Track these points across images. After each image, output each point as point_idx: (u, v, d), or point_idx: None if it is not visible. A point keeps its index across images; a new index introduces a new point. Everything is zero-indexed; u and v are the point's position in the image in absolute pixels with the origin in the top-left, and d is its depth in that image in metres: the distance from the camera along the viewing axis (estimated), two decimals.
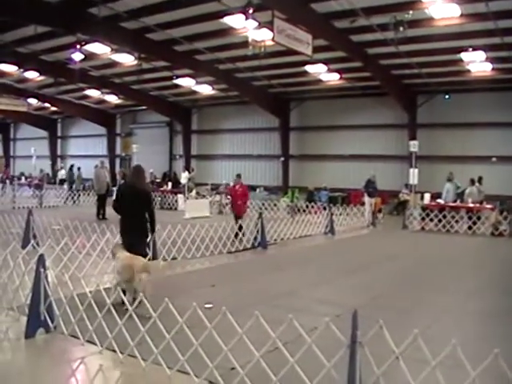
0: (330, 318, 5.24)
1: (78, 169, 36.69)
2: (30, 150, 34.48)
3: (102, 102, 42.02)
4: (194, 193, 30.46)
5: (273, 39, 19.32)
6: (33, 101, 41.12)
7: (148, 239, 9.85)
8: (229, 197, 18.45)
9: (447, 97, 30.19)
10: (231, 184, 32.88)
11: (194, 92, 36.13)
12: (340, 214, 22.75)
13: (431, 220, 22.11)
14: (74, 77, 29.04)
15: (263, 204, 26.66)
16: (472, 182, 22.69)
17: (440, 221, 21.75)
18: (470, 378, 4.39)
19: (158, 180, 34.82)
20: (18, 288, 8.02)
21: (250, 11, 19.48)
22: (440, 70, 27.40)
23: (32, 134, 51.42)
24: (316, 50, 21.73)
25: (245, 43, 22.69)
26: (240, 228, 16.43)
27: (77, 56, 25.50)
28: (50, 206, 28.73)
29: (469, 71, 26.58)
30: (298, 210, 26.53)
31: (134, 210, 9.17)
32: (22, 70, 31.37)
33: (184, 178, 32.13)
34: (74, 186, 34.40)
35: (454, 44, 23.01)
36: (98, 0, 20.19)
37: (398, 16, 20.41)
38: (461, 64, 25.65)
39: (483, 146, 28.78)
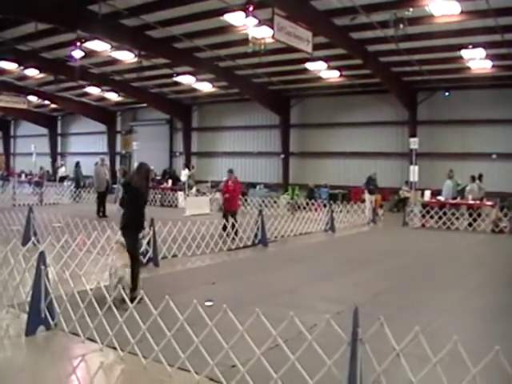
0: (330, 315, 5.25)
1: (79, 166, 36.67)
2: (31, 148, 34.53)
3: (103, 99, 41.98)
4: (194, 190, 30.44)
5: (273, 36, 19.29)
6: (33, 98, 41.08)
7: (139, 236, 9.70)
8: (225, 194, 17.78)
9: (447, 94, 30.16)
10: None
11: (195, 89, 36.10)
12: (340, 211, 22.75)
13: (431, 217, 22.11)
14: (74, 74, 28.94)
15: (263, 201, 26.66)
16: (473, 178, 22.72)
17: (440, 218, 21.76)
18: (470, 374, 4.40)
19: (158, 177, 34.80)
20: (18, 285, 8.03)
21: (251, 8, 19.44)
22: (440, 67, 27.38)
23: (32, 131, 51.34)
24: (316, 47, 21.71)
25: (245, 40, 22.63)
26: (233, 225, 16.21)
27: (77, 53, 25.43)
28: (51, 203, 28.74)
29: (469, 68, 26.55)
30: (299, 207, 26.54)
31: (127, 205, 9.27)
32: (22, 67, 31.31)
33: (184, 175, 32.11)
34: (80, 184, 34.33)
35: (454, 41, 22.97)
36: None
37: (398, 13, 20.38)
38: (461, 61, 25.61)
39: (483, 143, 28.77)
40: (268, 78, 31.79)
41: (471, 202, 22.08)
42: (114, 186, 30.09)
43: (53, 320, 7.16)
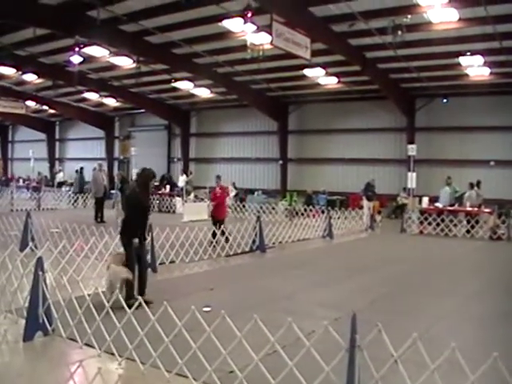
0: (328, 322, 5.25)
1: (76, 171, 36.64)
2: (28, 153, 34.50)
3: (101, 104, 42.02)
4: (191, 196, 30.45)
5: (271, 43, 19.33)
6: (31, 103, 41.12)
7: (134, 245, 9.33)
8: (213, 201, 17.25)
9: (445, 101, 30.23)
10: (229, 187, 33.10)
11: (193, 95, 36.16)
12: (338, 218, 22.75)
13: (429, 224, 22.12)
14: (73, 79, 29.00)
15: (261, 207, 26.66)
16: (471, 185, 22.73)
17: (438, 224, 21.77)
18: (469, 381, 4.40)
19: (156, 183, 34.77)
20: (16, 291, 8.02)
21: (249, 15, 19.48)
22: (438, 74, 27.46)
23: (30, 136, 51.32)
24: (314, 53, 21.77)
25: (243, 47, 22.69)
26: (223, 233, 15.83)
27: (75, 59, 25.45)
28: (48, 208, 28.71)
29: (467, 75, 26.64)
30: (297, 214, 26.54)
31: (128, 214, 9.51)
32: (20, 72, 31.31)
33: (182, 181, 32.14)
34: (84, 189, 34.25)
35: (452, 48, 23.05)
36: (97, 3, 20.19)
37: (396, 20, 20.44)
38: (459, 68, 25.69)
39: (481, 150, 28.82)
40: (266, 84, 31.83)
41: (469, 208, 22.11)
42: (112, 191, 30.07)
43: (50, 325, 7.15)
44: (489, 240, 20.55)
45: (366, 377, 4.92)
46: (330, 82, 30.36)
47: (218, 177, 18.47)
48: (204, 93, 35.15)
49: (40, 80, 33.60)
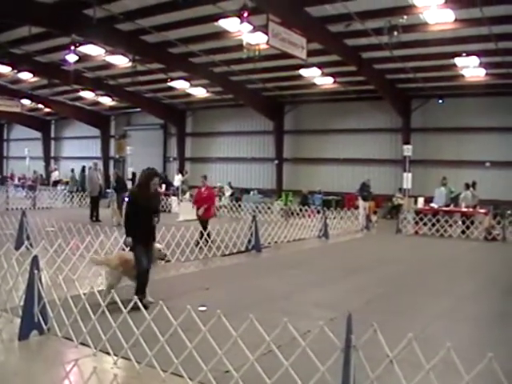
0: (324, 322, 5.26)
1: (72, 170, 36.59)
2: (24, 151, 34.44)
3: (96, 103, 41.96)
4: (187, 195, 30.43)
5: (267, 43, 19.35)
6: (26, 102, 41.03)
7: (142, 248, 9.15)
8: (197, 202, 16.73)
9: (441, 101, 30.30)
10: (225, 186, 33.12)
11: (189, 94, 36.14)
12: (334, 218, 22.77)
13: (425, 224, 22.16)
14: (69, 78, 28.93)
15: (257, 207, 26.65)
16: (467, 186, 22.80)
17: (434, 225, 21.81)
18: (463, 381, 4.41)
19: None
20: (11, 289, 8.00)
21: (245, 14, 19.48)
22: (434, 75, 27.52)
23: (25, 134, 51.24)
24: (310, 53, 21.78)
25: (240, 46, 22.69)
26: (209, 235, 15.55)
27: (71, 57, 25.42)
28: (44, 207, 28.67)
29: (463, 76, 26.70)
30: (292, 214, 26.54)
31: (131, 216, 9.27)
32: (16, 70, 31.28)
33: (177, 180, 32.12)
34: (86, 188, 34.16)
35: (448, 49, 23.11)
36: (94, 1, 20.15)
37: (392, 21, 20.47)
38: (455, 69, 25.75)
39: (477, 151, 28.90)
40: (262, 83, 31.84)
41: (464, 209, 22.16)
42: (108, 190, 30.03)
43: (46, 324, 7.14)
44: (484, 241, 20.59)
45: (362, 377, 4.93)
46: (326, 82, 30.39)
47: (204, 177, 17.98)
48: (200, 92, 35.14)
49: (36, 78, 33.57)
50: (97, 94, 38.16)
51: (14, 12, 20.03)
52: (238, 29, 21.41)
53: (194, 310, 5.89)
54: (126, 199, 9.90)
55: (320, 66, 27.18)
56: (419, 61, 25.35)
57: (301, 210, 25.83)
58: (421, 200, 23.86)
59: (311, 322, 7.08)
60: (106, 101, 40.21)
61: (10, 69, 30.74)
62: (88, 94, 38.24)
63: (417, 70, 26.90)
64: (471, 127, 29.19)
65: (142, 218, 8.92)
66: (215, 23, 21.74)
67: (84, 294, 6.90)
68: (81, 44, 24.69)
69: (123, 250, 10.47)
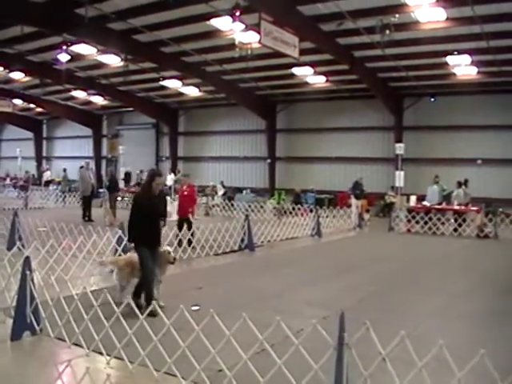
0: (317, 320, 5.27)
1: (64, 170, 36.51)
2: (16, 151, 34.32)
3: (88, 103, 41.83)
4: None
5: (259, 41, 19.34)
6: (18, 101, 40.87)
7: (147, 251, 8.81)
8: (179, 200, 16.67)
9: (433, 100, 30.38)
10: (217, 185, 33.11)
11: (181, 94, 36.08)
12: (327, 216, 22.80)
13: (417, 222, 22.22)
14: (60, 78, 28.84)
15: (250, 206, 26.66)
16: (459, 184, 22.88)
17: (426, 223, 21.88)
18: (456, 378, 4.43)
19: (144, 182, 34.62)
20: (3, 290, 7.99)
21: (237, 13, 19.48)
22: (426, 73, 27.58)
23: (17, 134, 51.04)
24: (303, 52, 21.79)
25: (232, 45, 22.71)
26: (192, 234, 15.14)
27: (63, 57, 25.36)
28: (36, 207, 28.58)
29: (454, 74, 26.75)
30: (285, 212, 26.58)
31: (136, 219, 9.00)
32: (7, 70, 31.16)
33: (170, 179, 32.06)
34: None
35: (439, 47, 23.15)
36: (85, 1, 20.08)
37: (384, 19, 20.50)
38: (446, 67, 25.81)
39: (469, 149, 28.99)
40: (255, 82, 31.83)
41: (457, 207, 22.24)
42: (100, 190, 30.00)
43: (38, 325, 7.12)
44: (476, 238, 20.68)
45: (355, 375, 4.95)
46: (319, 81, 30.41)
47: (186, 175, 17.75)
48: (192, 91, 35.08)
49: (27, 78, 33.46)
50: (89, 94, 38.03)
51: (5, 11, 19.94)
52: (230, 28, 21.41)
53: (187, 310, 5.89)
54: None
55: (312, 64, 27.19)
56: (411, 59, 25.41)
57: (293, 208, 25.86)
58: (413, 198, 23.91)
59: (304, 321, 7.09)
60: (98, 100, 40.10)
61: (1, 68, 30.64)
62: (80, 94, 38.12)
63: (409, 69, 26.95)
64: (463, 125, 29.29)
65: (145, 221, 8.61)
66: (207, 22, 21.70)
67: (76, 295, 6.88)
68: (73, 43, 24.62)
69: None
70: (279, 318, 5.26)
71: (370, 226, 24.30)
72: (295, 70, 28.23)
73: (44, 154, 51.47)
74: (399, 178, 26.19)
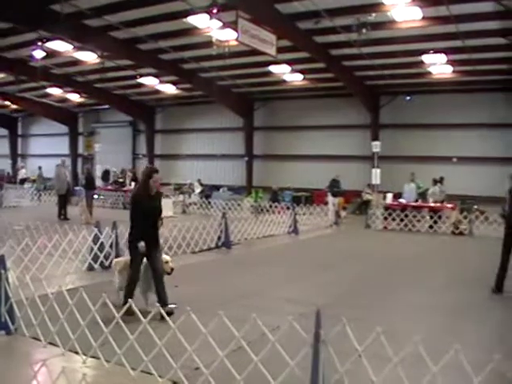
0: (293, 317, 5.28)
1: (39, 168, 36.15)
2: None
3: (65, 100, 41.42)
4: None
5: (237, 39, 19.35)
6: None
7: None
8: None
9: (409, 98, 30.61)
10: (194, 183, 33.02)
11: (158, 91, 35.93)
12: (304, 214, 22.87)
13: (393, 219, 22.39)
14: (36, 75, 28.58)
15: (227, 204, 26.62)
16: (435, 182, 23.09)
17: (402, 220, 22.06)
18: (431, 373, 4.48)
19: (120, 180, 34.45)
20: None
21: (215, 11, 19.46)
22: (402, 72, 27.78)
23: None
24: (280, 50, 21.88)
25: (209, 43, 22.69)
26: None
27: (38, 53, 25.10)
28: (11, 205, 28.25)
29: (430, 73, 26.99)
30: (262, 210, 26.59)
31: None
32: None
33: None
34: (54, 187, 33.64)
35: (415, 46, 23.33)
36: None
37: (361, 18, 20.62)
38: (422, 66, 26.02)
39: (444, 147, 29.28)
40: (232, 80, 31.82)
41: (432, 204, 22.44)
42: (76, 188, 29.76)
43: (13, 324, 7.06)
44: (451, 235, 20.89)
45: (331, 371, 4.97)
46: (296, 79, 30.48)
47: (156, 171, 17.36)
48: (169, 89, 34.96)
49: (2, 75, 33.04)
50: (65, 91, 37.68)
51: None
52: (207, 25, 21.35)
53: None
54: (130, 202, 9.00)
55: (290, 62, 27.25)
56: (387, 58, 25.59)
57: (271, 206, 25.89)
58: (389, 195, 24.08)
59: (281, 318, 7.09)
60: (75, 97, 39.75)
61: None
62: (56, 91, 37.75)
63: (385, 67, 27.11)
64: (439, 123, 29.57)
65: (146, 221, 8.38)
66: (184, 20, 21.60)
67: (52, 294, 6.81)
68: (48, 40, 24.39)
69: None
70: (255, 316, 5.27)
71: (346, 223, 24.42)
72: (272, 68, 28.28)
73: (19, 152, 50.89)
74: (375, 176, 26.39)
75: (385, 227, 22.55)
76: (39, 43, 24.39)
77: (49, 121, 45.82)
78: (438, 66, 25.58)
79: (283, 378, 5.03)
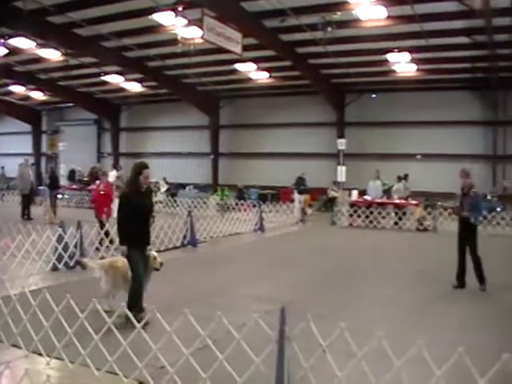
0: (259, 314, 5.29)
1: (2, 168, 35.56)
2: None
3: (28, 98, 40.75)
4: None
5: (202, 37, 19.31)
6: None
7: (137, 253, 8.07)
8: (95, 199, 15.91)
9: (374, 96, 30.92)
10: (160, 182, 32.85)
11: (123, 89, 35.64)
12: (270, 212, 22.94)
13: (359, 216, 22.59)
14: None
15: (193, 202, 26.56)
16: (399, 178, 23.39)
17: (367, 217, 22.28)
18: (394, 368, 4.53)
19: (85, 178, 34.10)
20: None
21: (180, 8, 19.38)
22: (367, 70, 28.05)
23: None
24: (246, 48, 21.87)
25: (174, 41, 22.58)
26: (107, 234, 13.94)
27: (0, 51, 24.67)
28: None
29: (395, 71, 27.30)
30: (228, 208, 26.58)
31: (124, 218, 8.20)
32: None
33: (112, 176, 31.56)
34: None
35: (380, 45, 23.58)
36: None
37: (326, 16, 20.77)
38: (387, 64, 26.32)
39: (409, 144, 29.69)
40: (198, 78, 31.72)
41: (397, 201, 22.71)
42: (40, 187, 29.36)
43: None
44: (416, 231, 21.19)
45: (296, 367, 5.00)
46: (262, 77, 30.51)
47: (104, 173, 16.84)
48: (134, 87, 34.70)
49: None
50: (28, 89, 37.09)
51: None
52: (172, 23, 21.24)
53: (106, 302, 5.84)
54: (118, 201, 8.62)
55: (255, 60, 27.27)
56: (353, 56, 25.80)
57: (237, 204, 25.89)
58: (355, 193, 24.28)
59: (247, 316, 7.08)
60: (38, 95, 39.14)
61: None
62: (18, 89, 37.13)
63: (350, 65, 27.33)
64: (403, 121, 29.94)
65: (137, 220, 7.94)
66: (149, 17, 21.44)
67: (15, 295, 6.71)
68: (11, 37, 23.95)
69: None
70: (220, 313, 5.26)
71: (312, 220, 24.55)
72: (238, 66, 28.27)
73: None
74: (341, 173, 26.58)
75: (350, 224, 22.73)
76: (1, 40, 23.94)
77: (11, 119, 45.01)
78: (403, 64, 25.90)
79: (249, 376, 5.04)
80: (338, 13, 20.40)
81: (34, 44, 25.35)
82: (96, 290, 9.00)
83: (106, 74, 31.65)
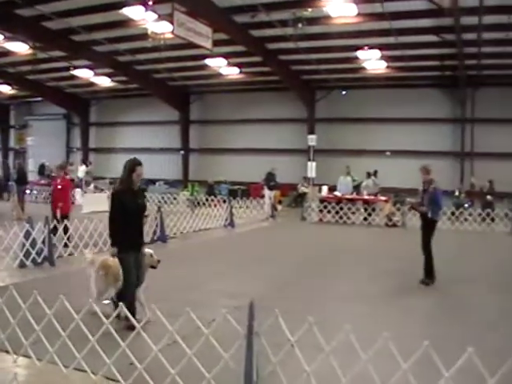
0: (228, 310, 5.31)
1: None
2: None
3: None
4: (91, 187, 29.80)
5: (172, 32, 19.20)
6: None
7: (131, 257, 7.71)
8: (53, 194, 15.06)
9: (344, 93, 31.12)
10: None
11: (93, 84, 35.27)
12: (240, 207, 22.96)
13: (329, 212, 22.75)
14: None
15: (163, 198, 26.46)
16: (368, 175, 23.62)
17: (337, 212, 22.44)
18: (362, 361, 4.60)
19: (53, 174, 33.65)
20: None
21: (150, 3, 19.25)
22: (337, 67, 28.20)
23: None
24: (216, 43, 21.83)
25: (144, 35, 22.41)
26: (66, 230, 13.48)
27: None
28: None
29: (364, 69, 27.50)
30: (198, 204, 26.53)
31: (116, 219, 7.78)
32: None
33: (81, 171, 31.36)
34: None
35: (350, 42, 23.72)
36: None
37: (297, 13, 20.81)
38: (357, 61, 26.49)
39: (378, 141, 29.94)
40: (168, 73, 31.57)
41: (366, 197, 22.91)
42: (9, 183, 28.94)
43: None
44: (385, 227, 21.41)
45: (265, 362, 5.03)
46: (232, 73, 30.46)
47: (61, 167, 15.90)
48: (104, 81, 34.37)
49: None
50: None
51: None
52: (142, 17, 21.09)
53: (97, 304, 5.80)
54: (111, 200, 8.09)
55: (226, 56, 27.22)
56: (323, 53, 25.93)
57: (207, 199, 25.86)
58: (325, 188, 24.42)
59: (216, 311, 7.10)
60: (6, 89, 38.51)
61: None
62: None
63: (320, 62, 27.45)
64: (373, 118, 30.19)
65: (130, 220, 7.60)
66: (119, 11, 21.27)
67: None
68: None
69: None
70: (189, 309, 5.27)
71: (282, 216, 24.66)
72: (209, 61, 28.19)
73: None
74: (311, 169, 26.71)
75: (320, 220, 22.88)
76: None
77: None
78: (373, 61, 26.10)
79: (217, 371, 5.06)
80: (309, 9, 20.44)
81: (2, 37, 24.96)
82: (64, 286, 8.94)
83: (76, 68, 31.26)
